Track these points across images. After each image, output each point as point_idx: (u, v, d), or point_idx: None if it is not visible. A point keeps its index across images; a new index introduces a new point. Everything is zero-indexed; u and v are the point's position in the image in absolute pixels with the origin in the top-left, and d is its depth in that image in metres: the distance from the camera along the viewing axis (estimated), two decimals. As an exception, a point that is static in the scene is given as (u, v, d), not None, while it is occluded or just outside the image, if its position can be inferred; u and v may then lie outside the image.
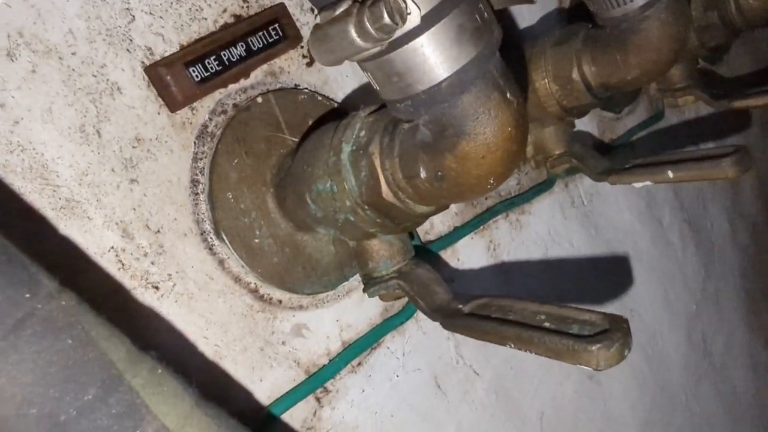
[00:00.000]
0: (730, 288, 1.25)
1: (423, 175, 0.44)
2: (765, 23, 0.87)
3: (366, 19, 0.32)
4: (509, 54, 0.62)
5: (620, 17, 0.59)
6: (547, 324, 0.46)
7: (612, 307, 0.99)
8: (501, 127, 0.40)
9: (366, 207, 0.49)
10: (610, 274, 0.99)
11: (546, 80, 0.69)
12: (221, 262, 0.56)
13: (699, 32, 0.87)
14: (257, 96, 0.59)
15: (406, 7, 0.33)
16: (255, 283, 0.58)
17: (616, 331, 0.42)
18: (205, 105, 0.57)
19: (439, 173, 0.43)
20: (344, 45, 0.34)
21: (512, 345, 0.46)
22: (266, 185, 0.58)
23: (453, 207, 0.77)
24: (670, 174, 0.66)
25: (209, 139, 0.56)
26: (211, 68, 0.55)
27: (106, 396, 0.30)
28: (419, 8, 0.34)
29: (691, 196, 1.20)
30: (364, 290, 0.57)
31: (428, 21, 0.35)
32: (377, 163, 0.46)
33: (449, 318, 0.51)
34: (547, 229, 0.89)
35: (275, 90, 0.61)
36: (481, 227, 0.80)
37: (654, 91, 1.01)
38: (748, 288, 1.30)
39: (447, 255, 0.76)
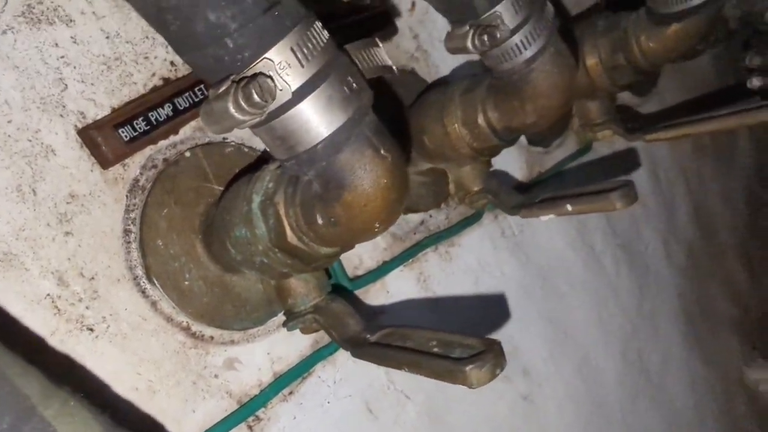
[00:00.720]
0: (666, 307, 1.32)
1: (320, 221, 0.50)
2: (666, 62, 0.95)
3: (240, 98, 0.38)
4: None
5: (511, 70, 0.66)
6: (436, 349, 0.51)
7: (546, 331, 1.05)
8: (377, 179, 0.46)
9: (276, 250, 0.54)
10: (542, 300, 1.05)
11: (456, 125, 0.76)
12: (154, 304, 0.61)
13: (609, 72, 0.95)
14: (186, 150, 0.65)
15: (276, 86, 0.40)
16: (187, 322, 0.63)
17: (489, 352, 0.47)
18: (136, 161, 0.62)
19: (332, 219, 0.49)
20: (226, 118, 0.40)
21: (406, 369, 0.52)
22: (195, 232, 0.64)
23: (381, 242, 0.83)
24: (569, 207, 0.72)
25: (140, 192, 0.62)
26: (140, 128, 0.61)
27: (20, 425, 0.35)
28: (290, 85, 0.41)
29: (624, 222, 1.27)
30: (284, 324, 0.63)
31: (300, 95, 0.41)
32: (282, 211, 0.52)
33: (357, 347, 0.57)
34: (477, 259, 0.96)
35: (203, 144, 0.67)
36: (411, 260, 0.86)
37: (577, 126, 1.09)
38: (685, 306, 1.37)
39: (376, 288, 0.81)
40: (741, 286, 1.57)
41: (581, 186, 0.74)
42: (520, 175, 1.07)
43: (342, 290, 0.74)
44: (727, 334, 1.51)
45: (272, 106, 0.40)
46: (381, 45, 0.45)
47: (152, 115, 0.62)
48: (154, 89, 0.64)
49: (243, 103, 0.39)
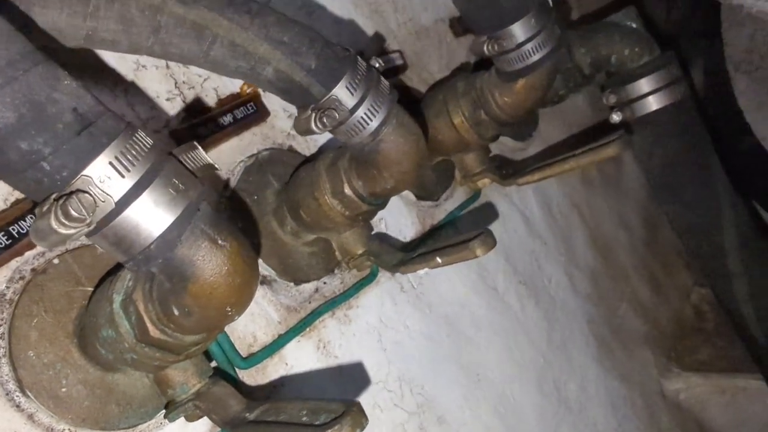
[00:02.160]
0: (576, 335, 1.38)
1: (176, 312, 0.53)
2: (524, 112, 1.04)
3: (60, 215, 0.41)
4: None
5: (361, 143, 0.72)
6: (305, 418, 0.54)
7: (458, 376, 1.08)
8: (218, 268, 0.49)
9: (143, 345, 0.56)
10: (450, 347, 1.09)
11: (327, 197, 0.80)
12: (30, 416, 0.61)
13: (475, 128, 1.03)
14: (54, 257, 0.66)
15: (96, 200, 0.43)
16: (68, 429, 0.63)
17: (347, 415, 0.50)
18: (1, 275, 0.63)
19: (186, 309, 0.52)
20: (51, 234, 0.42)
21: (277, 443, 0.54)
22: (70, 336, 0.65)
23: (275, 316, 0.86)
24: (439, 260, 0.77)
25: (8, 305, 0.62)
26: (1, 243, 0.62)
27: None
28: (111, 196, 0.44)
29: (524, 259, 1.34)
30: (165, 416, 0.64)
31: (124, 203, 0.44)
32: (141, 307, 0.55)
33: (236, 428, 0.59)
34: (378, 317, 0.99)
35: (73, 249, 0.68)
36: (308, 329, 0.88)
37: (460, 177, 1.16)
38: (595, 331, 1.44)
39: (274, 362, 0.83)
40: (648, 302, 1.66)
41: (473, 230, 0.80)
42: (413, 230, 1.12)
43: (232, 371, 0.75)
44: (641, 350, 1.58)
45: (97, 217, 0.43)
46: (199, 147, 0.49)
47: (14, 229, 0.63)
48: (16, 203, 0.66)
49: (63, 220, 0.41)
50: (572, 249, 1.49)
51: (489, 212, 1.29)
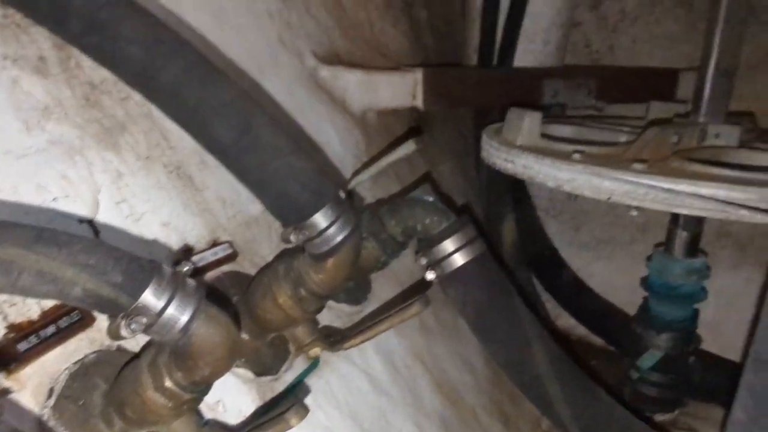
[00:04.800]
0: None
1: None
2: (341, 286, 1.18)
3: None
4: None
5: (174, 338, 0.80)
6: None
7: None
8: None
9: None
10: None
11: (149, 392, 0.86)
12: None
13: (298, 305, 1.15)
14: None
15: None
16: None
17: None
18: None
19: None
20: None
21: None
22: None
23: None
24: (259, 436, 0.84)
25: None
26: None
27: None
28: None
29: (371, 416, 1.41)
30: None
31: None
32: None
33: None
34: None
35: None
36: None
37: (294, 349, 1.26)
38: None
39: None
40: (500, 438, 1.77)
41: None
42: (253, 406, 1.17)
43: None
44: (499, 487, 1.66)
45: None
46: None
47: None
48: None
49: None
50: (419, 399, 1.60)
51: (330, 376, 1.38)
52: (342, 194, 1.10)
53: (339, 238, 1.08)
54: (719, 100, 1.73)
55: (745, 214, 1.25)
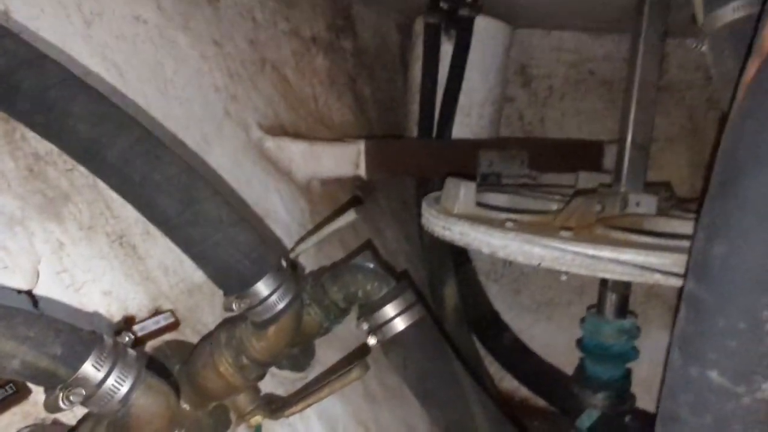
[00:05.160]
0: None
1: None
2: (283, 353, 1.21)
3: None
4: None
5: (112, 409, 0.81)
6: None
7: None
8: None
9: None
10: None
11: (84, 466, 0.85)
12: None
13: (239, 372, 1.16)
14: None
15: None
16: None
17: None
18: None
19: None
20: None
21: None
22: None
23: None
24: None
25: None
26: None
27: None
28: None
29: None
30: None
31: None
32: None
33: None
34: None
35: None
36: None
37: (235, 418, 1.26)
38: None
39: None
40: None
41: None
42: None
43: None
44: None
45: None
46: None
47: None
48: None
49: None
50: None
51: (274, 443, 1.37)
52: (284, 263, 1.14)
53: (280, 306, 1.11)
54: (637, 172, 1.87)
55: (660, 278, 1.35)
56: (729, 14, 1.12)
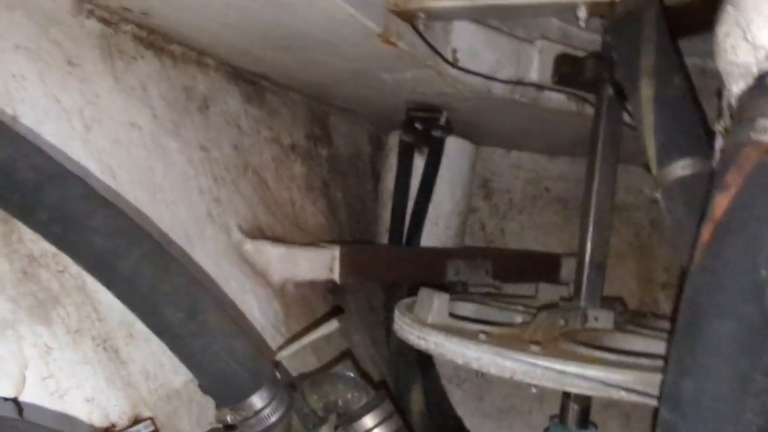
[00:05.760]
0: None
1: None
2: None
3: None
4: None
5: None
6: None
7: None
8: None
9: None
10: None
11: None
12: None
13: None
14: None
15: None
16: None
17: None
18: None
19: None
20: None
21: None
22: None
23: None
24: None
25: None
26: None
27: None
28: None
29: None
30: None
31: None
32: None
33: None
34: None
35: None
36: None
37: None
38: None
39: None
40: None
41: None
42: None
43: None
44: None
45: None
46: None
47: None
48: None
49: None
50: None
51: None
52: (277, 374, 1.17)
53: (273, 419, 1.13)
54: (595, 288, 2.01)
55: (623, 395, 1.43)
56: (678, 171, 1.28)
